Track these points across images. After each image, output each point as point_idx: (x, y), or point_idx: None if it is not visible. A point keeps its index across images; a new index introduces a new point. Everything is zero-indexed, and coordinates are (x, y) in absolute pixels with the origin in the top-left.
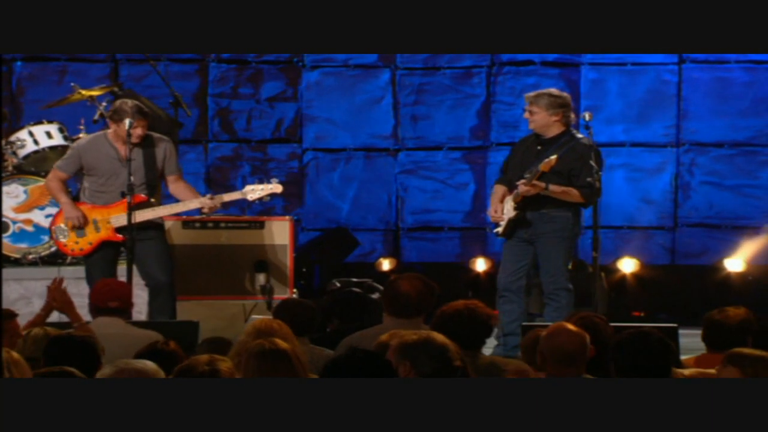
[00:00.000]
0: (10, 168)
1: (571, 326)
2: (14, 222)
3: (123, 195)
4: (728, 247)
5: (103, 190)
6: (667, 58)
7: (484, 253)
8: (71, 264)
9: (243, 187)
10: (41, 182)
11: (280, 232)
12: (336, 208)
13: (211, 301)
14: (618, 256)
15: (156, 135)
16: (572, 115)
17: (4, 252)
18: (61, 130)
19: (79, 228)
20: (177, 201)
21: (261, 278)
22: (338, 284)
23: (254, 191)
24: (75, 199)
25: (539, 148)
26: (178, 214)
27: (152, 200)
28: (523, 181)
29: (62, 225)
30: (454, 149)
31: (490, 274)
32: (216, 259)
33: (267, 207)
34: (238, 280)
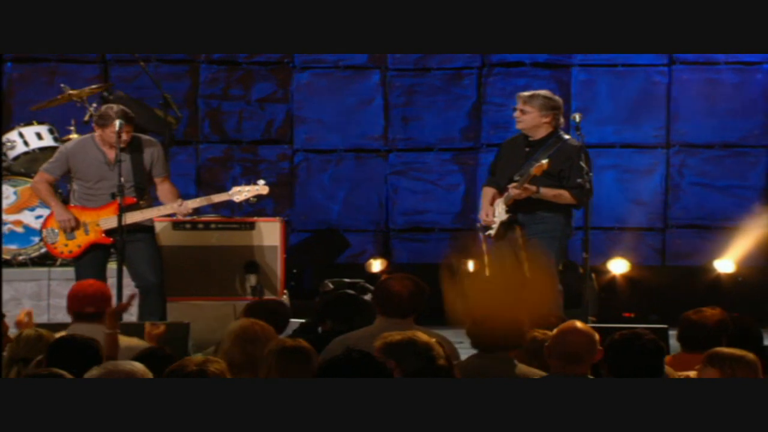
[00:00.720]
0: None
1: (581, 325)
2: (4, 223)
3: (113, 197)
4: (718, 248)
5: (92, 193)
6: (658, 60)
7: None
8: (61, 265)
9: (232, 188)
10: (31, 183)
11: (270, 233)
12: (326, 209)
13: (202, 303)
14: (608, 257)
15: (144, 137)
16: (562, 119)
17: None
18: (51, 131)
19: (71, 231)
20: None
21: (252, 279)
22: (331, 285)
23: (241, 192)
24: (65, 202)
25: (527, 149)
26: (169, 215)
27: (141, 202)
28: (514, 185)
29: (52, 227)
30: (444, 150)
31: None
32: (206, 260)
33: (257, 208)
34: (229, 282)
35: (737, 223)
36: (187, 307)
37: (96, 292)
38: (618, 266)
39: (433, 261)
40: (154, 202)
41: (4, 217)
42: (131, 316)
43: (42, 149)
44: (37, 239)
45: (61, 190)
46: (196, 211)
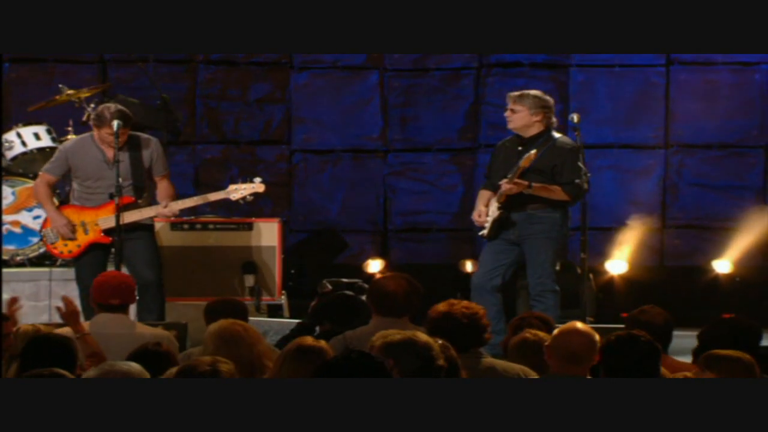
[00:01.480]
0: None
1: (582, 326)
2: (2, 224)
3: (111, 197)
4: (716, 248)
5: (91, 192)
6: (655, 60)
7: (473, 255)
8: (61, 266)
9: (229, 186)
10: (29, 184)
11: (268, 233)
12: (324, 210)
13: (200, 303)
14: (606, 258)
15: (144, 136)
16: (554, 119)
17: None
18: (49, 132)
19: (67, 236)
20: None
21: (249, 280)
22: (329, 286)
23: (237, 191)
24: (65, 201)
25: (520, 148)
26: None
27: (139, 201)
28: (505, 180)
29: (52, 228)
30: (442, 151)
31: None
32: (204, 260)
33: (256, 208)
34: (227, 282)
35: (735, 224)
36: (185, 308)
37: (121, 284)
38: (616, 267)
39: (431, 261)
40: (154, 200)
41: (2, 217)
42: (130, 314)
43: (40, 149)
44: (35, 240)
45: (59, 191)
46: (194, 211)
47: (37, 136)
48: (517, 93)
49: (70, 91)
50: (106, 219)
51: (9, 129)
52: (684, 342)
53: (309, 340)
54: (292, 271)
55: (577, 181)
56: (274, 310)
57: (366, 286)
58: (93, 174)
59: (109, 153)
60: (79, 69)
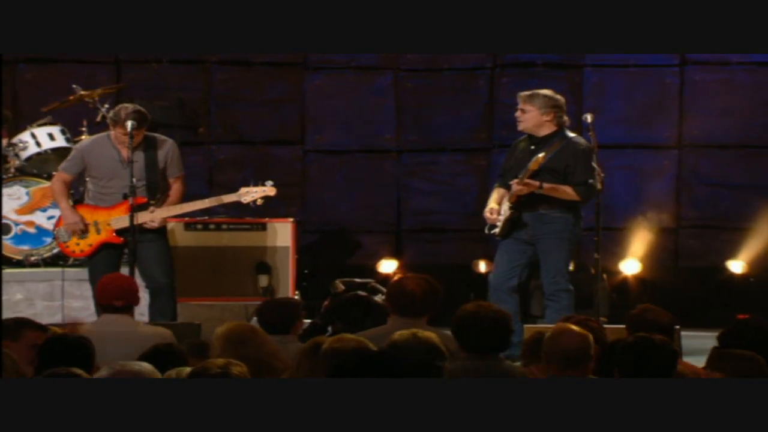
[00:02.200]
0: (12, 170)
1: (574, 327)
2: (16, 224)
3: (125, 197)
4: (730, 248)
5: (105, 192)
6: (670, 60)
7: (486, 255)
8: (74, 266)
9: (240, 189)
10: (43, 184)
11: (282, 233)
12: (338, 210)
13: (213, 303)
14: (620, 258)
15: (160, 137)
16: (565, 118)
17: (6, 254)
18: (63, 132)
19: (80, 234)
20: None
21: (263, 280)
22: (342, 286)
23: (248, 193)
24: (79, 201)
25: (533, 147)
26: (179, 216)
27: (152, 202)
28: (516, 180)
29: (65, 227)
30: (456, 150)
31: None
32: (218, 260)
33: (269, 209)
34: (241, 282)
35: (749, 224)
36: (199, 308)
37: (124, 286)
38: (629, 267)
39: (444, 262)
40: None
41: (17, 218)
42: (142, 316)
43: (54, 150)
44: (49, 240)
45: (73, 191)
46: (208, 211)
47: (51, 137)
48: (527, 93)
49: (84, 92)
50: (119, 219)
51: (23, 129)
52: (696, 342)
53: (327, 339)
54: (306, 271)
55: (590, 181)
56: None
57: (378, 286)
58: (107, 173)
59: (125, 153)
60: (94, 69)
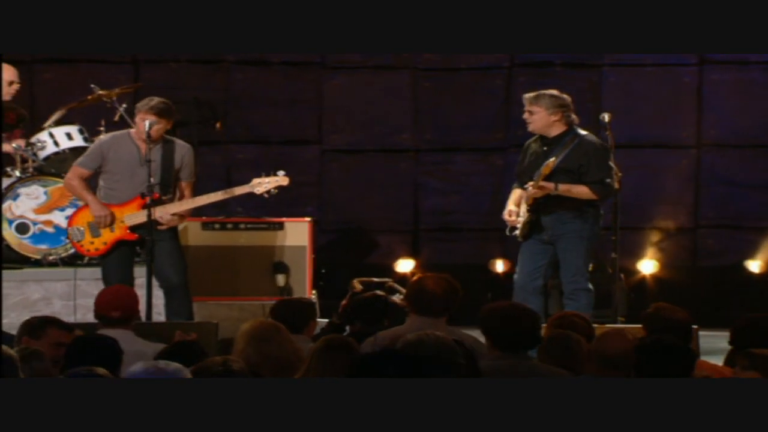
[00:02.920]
0: (31, 169)
1: (625, 332)
2: (35, 223)
3: (143, 196)
4: (749, 248)
5: (117, 188)
6: (687, 60)
7: (503, 254)
8: (89, 265)
9: (252, 180)
10: (61, 183)
11: (299, 233)
12: (355, 209)
13: (231, 302)
14: (638, 258)
15: (179, 142)
16: (573, 116)
17: (24, 253)
18: (81, 132)
19: (108, 226)
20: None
21: (280, 279)
22: (360, 285)
23: (261, 184)
24: None
25: (545, 148)
26: (195, 215)
27: (164, 198)
28: (531, 183)
29: (78, 225)
30: (473, 150)
31: (509, 275)
32: (235, 260)
33: (287, 208)
34: (258, 282)
35: None
36: (216, 307)
37: (122, 296)
38: (647, 266)
39: (461, 261)
40: None
41: (35, 217)
42: (159, 315)
43: (72, 149)
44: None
45: None
46: (225, 210)
47: (69, 136)
48: (532, 94)
49: (102, 92)
50: (132, 216)
51: (41, 129)
52: (711, 342)
53: (337, 336)
54: (323, 271)
55: (607, 180)
56: None
57: (396, 285)
58: (124, 170)
59: (145, 150)
60: (111, 69)
